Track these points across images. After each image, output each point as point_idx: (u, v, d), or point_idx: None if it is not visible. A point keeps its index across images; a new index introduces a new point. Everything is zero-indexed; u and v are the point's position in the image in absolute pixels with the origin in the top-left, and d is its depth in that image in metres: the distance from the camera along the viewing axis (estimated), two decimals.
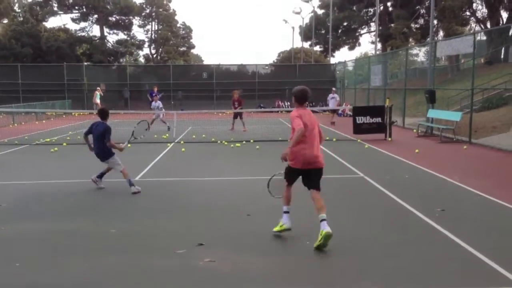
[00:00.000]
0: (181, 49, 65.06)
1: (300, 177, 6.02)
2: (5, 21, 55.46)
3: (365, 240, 5.93)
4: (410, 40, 44.95)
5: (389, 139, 16.15)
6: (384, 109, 16.65)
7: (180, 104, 33.21)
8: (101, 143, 8.67)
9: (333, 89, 25.30)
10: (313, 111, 23.68)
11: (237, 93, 20.69)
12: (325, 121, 23.73)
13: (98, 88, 30.87)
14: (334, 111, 23.61)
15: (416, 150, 13.31)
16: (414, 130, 18.30)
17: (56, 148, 14.48)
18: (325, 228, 5.52)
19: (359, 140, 15.88)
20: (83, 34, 59.98)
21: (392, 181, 9.31)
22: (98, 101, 29.91)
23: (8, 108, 24.21)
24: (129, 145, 9.57)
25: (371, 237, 6.04)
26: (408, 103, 21.33)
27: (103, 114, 8.94)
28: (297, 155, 5.84)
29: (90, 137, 8.93)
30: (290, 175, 6.05)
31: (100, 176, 8.92)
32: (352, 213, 7.16)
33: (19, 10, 62.69)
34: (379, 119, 16.54)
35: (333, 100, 23.64)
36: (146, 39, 63.04)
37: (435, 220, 6.60)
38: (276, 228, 6.10)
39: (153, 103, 20.21)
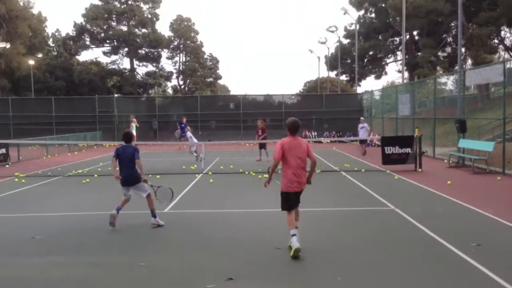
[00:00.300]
0: (208, 80, 66.22)
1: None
2: (40, 55, 57.60)
3: (398, 274, 5.80)
4: (438, 68, 44.63)
5: (420, 169, 15.89)
6: (413, 139, 16.44)
7: (208, 135, 33.55)
8: (132, 166, 8.45)
9: (362, 118, 24.81)
10: (341, 142, 23.35)
11: (262, 122, 20.97)
12: (353, 152, 23.55)
13: (134, 119, 31.36)
14: (363, 142, 23.20)
15: (448, 182, 13.04)
16: (445, 161, 17.98)
17: (87, 180, 14.74)
18: (295, 244, 6.46)
19: (388, 171, 15.68)
20: (114, 66, 61.82)
21: (424, 213, 9.12)
22: (134, 132, 30.36)
23: (42, 140, 24.89)
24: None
25: (403, 271, 5.90)
26: (437, 132, 21.02)
27: (128, 137, 8.77)
28: (284, 179, 6.78)
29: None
30: (285, 201, 6.86)
31: (118, 209, 8.56)
32: (384, 247, 7.01)
33: (53, 45, 65.15)
34: (408, 149, 16.32)
35: (363, 130, 22.99)
36: (174, 71, 64.54)
37: (471, 255, 6.41)
38: (292, 254, 6.50)
39: (188, 133, 20.87)
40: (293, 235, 6.62)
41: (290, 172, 6.72)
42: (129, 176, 8.51)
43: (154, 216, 8.56)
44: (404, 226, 8.29)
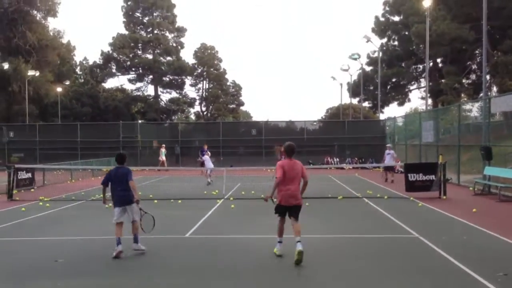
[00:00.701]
0: (231, 106, 66.84)
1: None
2: (67, 82, 59.15)
3: None
4: (462, 95, 44.18)
5: (444, 197, 15.58)
6: (437, 166, 16.18)
7: (236, 160, 33.61)
8: (127, 187, 8.32)
9: (388, 145, 24.25)
10: (363, 168, 23.26)
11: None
12: (376, 178, 23.25)
13: (163, 145, 31.70)
14: (388, 169, 22.23)
15: (474, 209, 12.75)
16: (470, 188, 17.62)
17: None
18: (298, 247, 7.37)
19: (411, 198, 15.43)
20: (138, 93, 63.01)
21: (449, 242, 8.91)
22: (164, 158, 30.71)
23: (66, 165, 25.30)
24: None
25: None
26: (462, 159, 20.67)
27: (123, 158, 8.72)
28: (280, 194, 7.83)
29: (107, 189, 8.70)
30: (278, 209, 8.02)
31: (119, 242, 8.20)
32: (408, 276, 6.86)
33: (81, 72, 66.96)
34: (432, 176, 16.04)
35: (389, 156, 22.22)
36: (197, 97, 65.42)
37: (497, 284, 6.22)
38: (275, 250, 8.09)
39: (206, 156, 21.89)
40: (279, 242, 8.05)
41: (286, 189, 7.75)
42: (124, 196, 8.37)
43: (136, 242, 8.38)
44: (428, 254, 8.11)
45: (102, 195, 9.01)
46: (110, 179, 8.57)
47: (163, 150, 31.19)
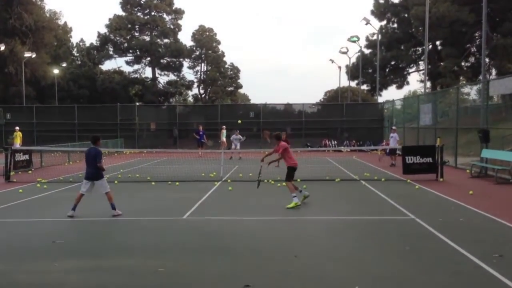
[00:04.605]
0: (229, 89, 66.55)
1: None
2: (64, 64, 58.73)
3: (418, 285, 5.69)
4: (461, 78, 44.02)
5: (441, 179, 15.63)
6: (434, 149, 16.20)
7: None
8: (94, 165, 10.07)
9: (393, 127, 23.95)
10: (361, 150, 23.38)
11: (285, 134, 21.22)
12: (374, 161, 23.25)
13: (224, 126, 31.18)
14: (392, 152, 21.61)
15: (470, 192, 12.79)
16: (467, 171, 17.66)
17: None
18: None
19: (408, 181, 15.47)
20: (136, 76, 62.64)
21: (445, 224, 8.95)
22: (224, 139, 29.95)
23: (64, 147, 25.24)
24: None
25: (424, 281, 5.79)
26: (460, 142, 20.68)
27: (94, 139, 10.37)
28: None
29: None
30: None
31: (74, 208, 10.05)
32: (404, 257, 6.90)
33: (77, 54, 66.45)
34: (429, 159, 16.07)
35: (392, 139, 21.88)
36: (195, 80, 65.04)
37: (493, 266, 6.26)
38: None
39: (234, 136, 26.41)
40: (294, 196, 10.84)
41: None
42: (91, 173, 10.18)
43: (114, 208, 10.02)
44: (424, 236, 8.15)
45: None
46: (85, 154, 10.44)
47: (224, 132, 30.68)
